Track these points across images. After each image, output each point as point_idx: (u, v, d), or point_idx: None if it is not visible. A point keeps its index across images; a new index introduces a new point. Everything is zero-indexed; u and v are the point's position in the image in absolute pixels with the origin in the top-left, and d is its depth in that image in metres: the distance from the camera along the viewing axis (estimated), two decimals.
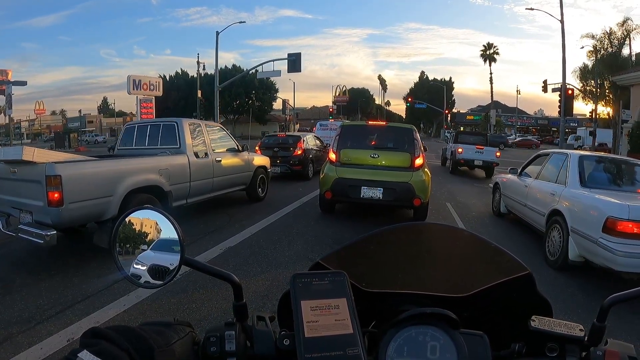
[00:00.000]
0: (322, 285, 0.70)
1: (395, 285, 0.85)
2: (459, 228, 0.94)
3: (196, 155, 6.46)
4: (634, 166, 5.57)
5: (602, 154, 6.78)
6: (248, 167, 8.07)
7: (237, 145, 7.87)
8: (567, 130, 32.22)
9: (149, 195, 5.29)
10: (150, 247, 0.76)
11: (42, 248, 4.73)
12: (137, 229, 0.77)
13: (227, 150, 7.50)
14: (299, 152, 12.27)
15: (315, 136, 14.87)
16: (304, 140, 12.72)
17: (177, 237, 0.75)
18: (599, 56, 26.62)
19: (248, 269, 4.54)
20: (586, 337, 0.69)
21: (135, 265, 0.75)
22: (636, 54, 26.48)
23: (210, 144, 6.95)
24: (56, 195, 4.12)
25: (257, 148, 12.33)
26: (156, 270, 0.75)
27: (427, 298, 0.82)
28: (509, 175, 7.51)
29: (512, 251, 0.83)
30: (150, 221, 0.77)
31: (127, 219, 0.77)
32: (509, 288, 0.80)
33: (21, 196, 4.57)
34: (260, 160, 8.66)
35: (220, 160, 7.05)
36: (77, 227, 5.26)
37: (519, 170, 7.14)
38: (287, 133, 16.11)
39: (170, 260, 0.74)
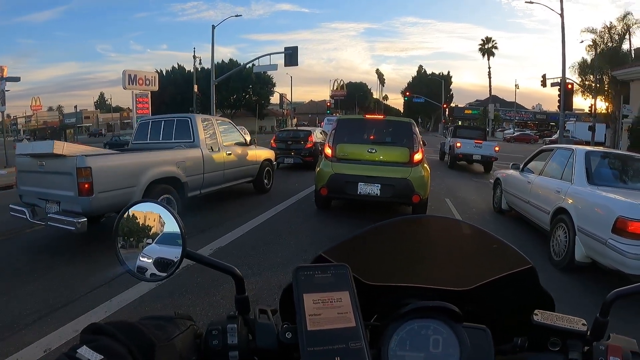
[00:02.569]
0: (324, 278, 0.68)
1: (397, 278, 0.83)
2: (462, 221, 0.93)
3: (209, 148, 6.76)
4: None
5: (608, 149, 6.43)
6: (255, 160, 8.39)
7: (245, 139, 8.18)
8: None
9: (168, 186, 5.61)
10: (155, 240, 0.76)
11: (44, 242, 5.13)
12: (140, 223, 0.77)
13: (235, 144, 7.79)
14: (310, 145, 13.55)
15: (323, 130, 16.26)
16: (314, 134, 14.13)
17: (179, 230, 0.75)
18: (598, 51, 26.51)
19: (253, 255, 4.74)
20: (589, 332, 0.69)
21: (141, 259, 0.76)
22: (636, 49, 26.53)
23: (220, 138, 7.25)
24: (86, 185, 4.44)
25: (272, 141, 13.93)
26: (161, 263, 0.75)
27: (428, 291, 0.81)
28: (511, 171, 7.21)
29: None
30: (153, 214, 0.77)
31: (129, 212, 0.77)
32: (511, 282, 0.79)
33: (49, 187, 4.84)
34: (266, 153, 8.96)
35: (230, 154, 7.38)
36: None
37: (521, 166, 6.89)
38: (298, 127, 17.50)
39: (175, 253, 0.74)
